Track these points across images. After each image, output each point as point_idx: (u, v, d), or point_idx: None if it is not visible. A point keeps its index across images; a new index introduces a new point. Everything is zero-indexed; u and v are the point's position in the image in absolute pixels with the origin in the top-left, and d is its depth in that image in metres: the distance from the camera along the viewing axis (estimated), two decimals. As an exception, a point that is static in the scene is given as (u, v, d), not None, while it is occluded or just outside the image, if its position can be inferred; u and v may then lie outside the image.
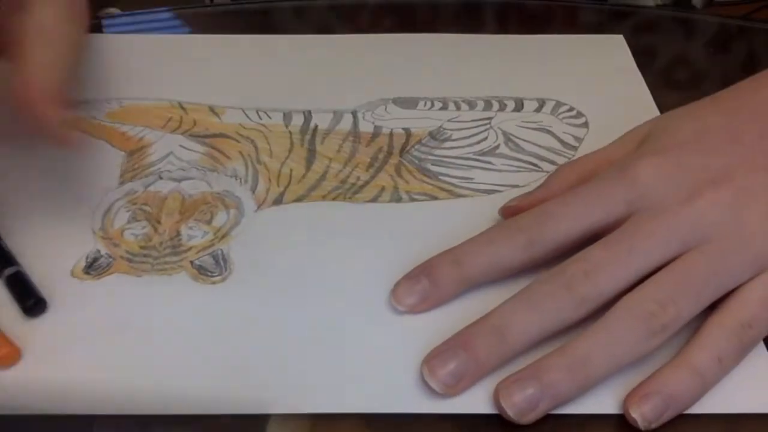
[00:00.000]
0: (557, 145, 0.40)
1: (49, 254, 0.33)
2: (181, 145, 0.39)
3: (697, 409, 0.28)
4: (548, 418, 0.27)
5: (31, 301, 0.31)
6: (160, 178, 0.37)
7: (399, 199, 0.37)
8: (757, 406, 0.28)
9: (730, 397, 0.28)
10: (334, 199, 0.37)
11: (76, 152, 0.38)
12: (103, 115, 0.42)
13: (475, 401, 0.28)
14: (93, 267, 0.33)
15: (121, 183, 0.37)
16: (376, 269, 0.33)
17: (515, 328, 0.29)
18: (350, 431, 0.28)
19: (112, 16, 0.52)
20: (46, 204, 0.36)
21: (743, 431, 0.28)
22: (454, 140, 0.40)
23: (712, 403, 0.28)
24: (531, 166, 0.39)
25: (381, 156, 0.39)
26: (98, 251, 0.34)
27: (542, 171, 0.39)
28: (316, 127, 0.41)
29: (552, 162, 0.39)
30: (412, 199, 0.37)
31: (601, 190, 0.32)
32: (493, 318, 0.29)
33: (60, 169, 0.38)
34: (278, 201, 0.36)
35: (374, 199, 0.37)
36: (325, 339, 0.30)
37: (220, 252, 0.34)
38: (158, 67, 0.45)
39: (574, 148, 0.40)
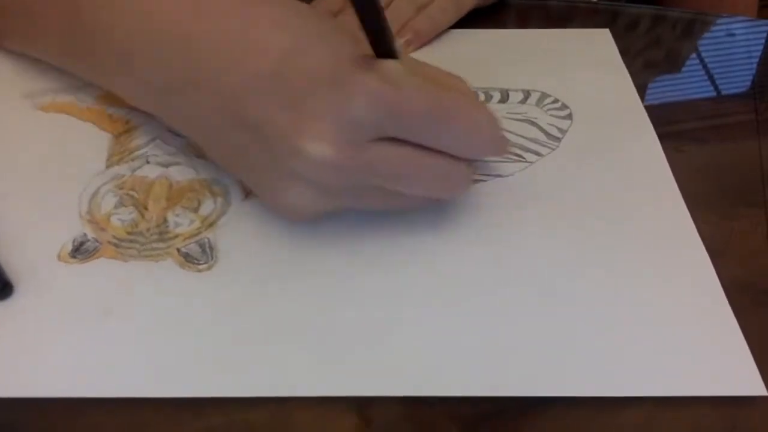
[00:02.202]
0: (541, 137, 0.41)
1: (36, 237, 0.34)
2: (167, 130, 0.39)
3: (674, 392, 0.29)
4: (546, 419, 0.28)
5: None
6: (147, 162, 0.38)
7: (385, 189, 0.37)
8: (733, 388, 0.29)
9: (705, 380, 0.29)
10: (320, 187, 0.37)
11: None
12: (92, 98, 0.42)
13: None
14: (80, 251, 0.33)
15: (108, 166, 0.37)
16: (361, 255, 0.33)
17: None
18: (350, 431, 0.28)
19: None
20: (32, 186, 0.36)
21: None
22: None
23: (688, 387, 0.29)
24: (516, 157, 0.39)
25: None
26: (85, 235, 0.34)
27: (526, 161, 0.39)
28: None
29: (536, 153, 0.40)
30: (398, 189, 0.37)
31: None
32: None
33: (46, 151, 0.38)
34: (265, 189, 0.37)
35: (360, 188, 0.37)
36: (310, 326, 0.31)
37: (206, 240, 0.34)
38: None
39: (558, 140, 0.41)
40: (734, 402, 0.29)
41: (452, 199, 0.35)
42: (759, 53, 0.50)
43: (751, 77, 0.48)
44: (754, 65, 0.49)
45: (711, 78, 0.47)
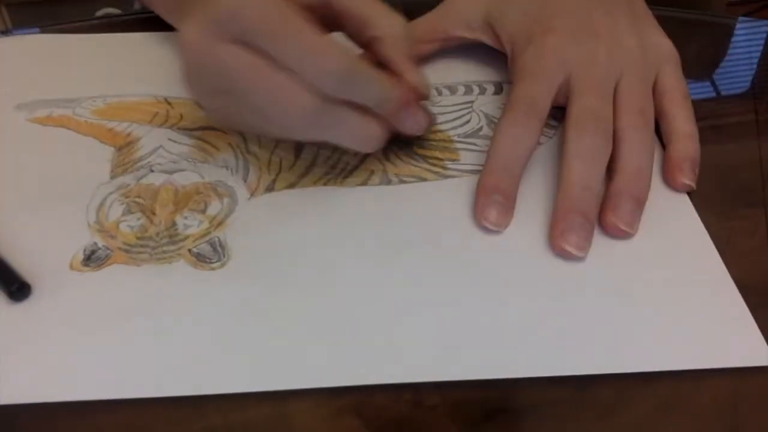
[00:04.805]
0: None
1: (46, 248, 0.34)
2: (169, 139, 0.40)
3: (678, 365, 0.29)
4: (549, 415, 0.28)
5: (14, 285, 0.31)
6: (152, 170, 0.38)
7: (389, 182, 0.38)
8: (737, 359, 0.30)
9: (710, 351, 0.30)
10: (325, 184, 0.37)
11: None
12: (89, 112, 0.42)
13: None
14: (91, 259, 0.33)
15: (113, 177, 0.37)
16: (370, 250, 0.34)
17: (593, 182, 0.35)
18: (350, 430, 0.28)
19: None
20: (39, 199, 0.36)
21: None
22: (438, 123, 0.41)
23: (693, 359, 0.30)
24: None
25: (368, 141, 0.40)
26: (95, 243, 0.34)
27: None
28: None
29: (534, 141, 0.40)
30: (402, 182, 0.38)
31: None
32: (575, 182, 0.35)
33: (49, 164, 0.38)
34: (270, 188, 0.37)
35: (364, 183, 0.37)
36: (325, 319, 0.31)
37: (217, 239, 0.34)
38: (141, 64, 0.46)
39: (554, 128, 0.41)
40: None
41: (301, 133, 0.34)
42: (759, 53, 0.50)
43: (751, 77, 0.48)
44: (754, 65, 0.49)
45: (711, 78, 0.48)
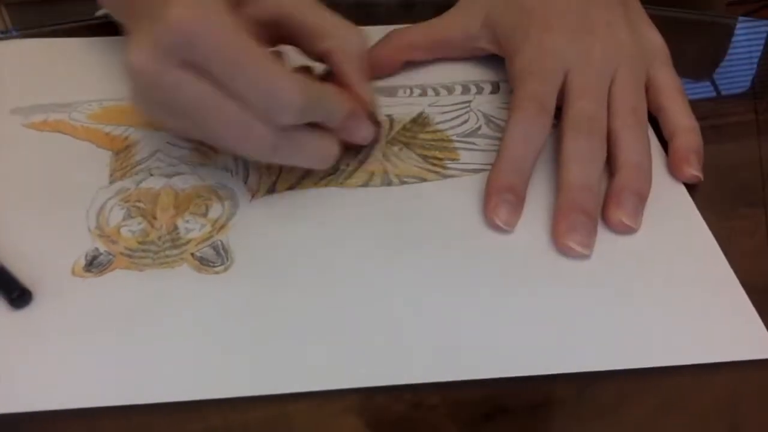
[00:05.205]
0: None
1: (47, 255, 0.33)
2: (167, 142, 0.40)
3: (682, 360, 0.30)
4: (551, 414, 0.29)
5: (15, 292, 0.31)
6: (151, 174, 0.38)
7: (390, 183, 0.38)
8: (742, 353, 0.30)
9: (714, 345, 0.30)
10: (326, 185, 0.37)
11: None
12: (85, 117, 0.41)
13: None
14: (93, 264, 0.33)
15: (112, 181, 0.37)
16: (374, 250, 0.34)
17: (592, 181, 0.35)
18: (350, 431, 0.28)
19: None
20: (39, 206, 0.36)
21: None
22: (437, 123, 0.41)
23: (697, 354, 0.30)
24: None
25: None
26: (96, 249, 0.34)
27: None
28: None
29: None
30: (403, 182, 0.38)
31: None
32: (575, 182, 0.35)
33: (47, 169, 0.38)
34: (271, 190, 0.37)
35: (365, 184, 0.37)
36: (330, 320, 0.31)
37: (219, 243, 0.34)
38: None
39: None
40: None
41: (256, 154, 0.33)
42: (759, 53, 0.50)
43: (751, 77, 0.48)
44: (755, 65, 0.49)
45: (711, 78, 0.48)
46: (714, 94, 0.46)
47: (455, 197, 0.37)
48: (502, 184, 0.35)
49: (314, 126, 0.33)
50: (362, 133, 0.37)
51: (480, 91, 0.44)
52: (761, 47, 0.51)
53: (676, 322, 0.31)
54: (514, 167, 0.36)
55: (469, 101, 0.43)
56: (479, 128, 0.41)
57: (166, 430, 0.28)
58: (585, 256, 0.33)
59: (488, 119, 0.42)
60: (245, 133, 0.31)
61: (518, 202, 0.35)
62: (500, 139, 0.38)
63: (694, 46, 0.50)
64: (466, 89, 0.44)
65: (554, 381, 0.29)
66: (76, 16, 0.50)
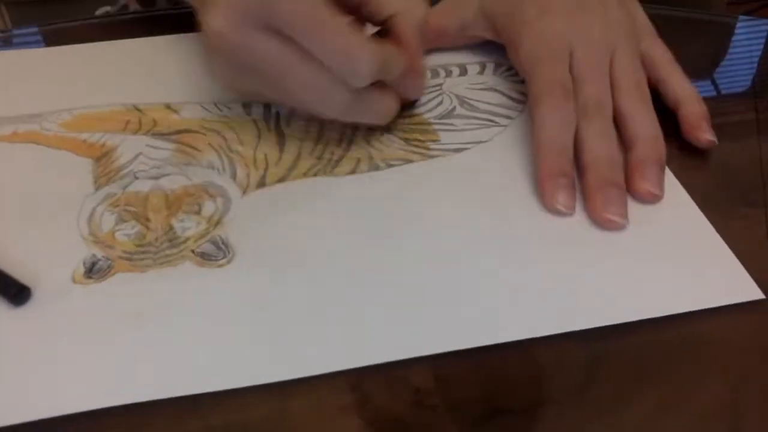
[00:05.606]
0: (507, 102, 0.43)
1: (45, 267, 0.33)
2: (148, 145, 0.39)
3: (672, 309, 0.31)
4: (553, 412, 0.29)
5: (14, 290, 0.31)
6: (136, 178, 0.37)
7: (377, 167, 0.38)
8: (729, 297, 0.32)
9: (702, 293, 0.32)
10: (315, 175, 0.38)
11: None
12: (57, 126, 0.41)
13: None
14: (93, 271, 0.33)
15: (98, 188, 0.37)
16: (369, 234, 0.34)
17: (615, 155, 0.37)
18: (350, 431, 0.28)
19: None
20: (27, 219, 0.35)
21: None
22: (413, 107, 0.42)
23: (679, 303, 0.31)
24: (489, 122, 0.41)
25: (348, 130, 0.40)
26: (94, 255, 0.33)
27: (500, 125, 0.41)
28: (278, 112, 0.42)
29: (507, 116, 0.42)
30: (389, 166, 0.38)
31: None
32: (602, 157, 0.36)
33: (30, 182, 0.37)
34: (261, 184, 0.37)
35: (353, 171, 0.38)
36: (333, 305, 0.31)
37: (219, 237, 0.34)
38: (105, 74, 0.45)
39: (522, 102, 0.43)
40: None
41: (331, 114, 0.36)
42: (759, 52, 0.51)
43: (751, 76, 0.49)
44: (755, 64, 0.50)
45: (711, 77, 0.48)
46: (714, 93, 0.47)
47: (442, 177, 0.37)
48: (555, 170, 0.36)
49: (375, 84, 0.35)
50: (417, 89, 0.40)
51: (449, 74, 0.45)
52: (761, 46, 0.52)
53: (662, 276, 0.33)
54: (560, 152, 0.37)
55: (441, 84, 0.44)
56: (454, 109, 0.42)
57: (166, 429, 0.27)
58: (623, 227, 0.35)
59: (462, 100, 0.43)
60: (323, 96, 0.33)
61: (571, 185, 0.36)
62: (475, 118, 0.39)
63: (695, 46, 0.51)
64: (435, 73, 0.45)
65: (554, 381, 0.29)
66: (76, 15, 0.49)
